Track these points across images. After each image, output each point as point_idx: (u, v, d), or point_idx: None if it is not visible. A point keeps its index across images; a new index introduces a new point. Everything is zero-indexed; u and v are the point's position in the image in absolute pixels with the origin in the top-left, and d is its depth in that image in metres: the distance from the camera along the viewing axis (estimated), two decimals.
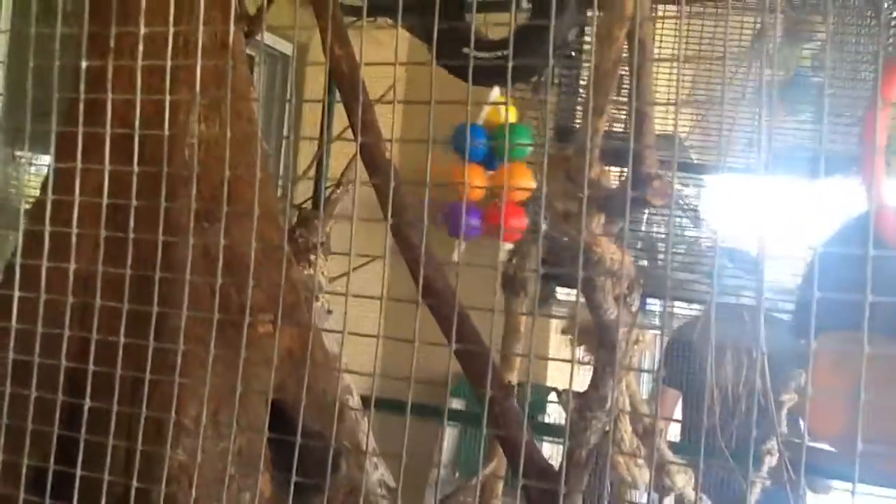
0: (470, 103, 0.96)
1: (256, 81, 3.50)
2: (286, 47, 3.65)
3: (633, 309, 1.09)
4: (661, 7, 3.10)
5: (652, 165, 0.75)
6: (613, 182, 0.86)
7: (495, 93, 1.68)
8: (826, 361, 0.77)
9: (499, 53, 1.45)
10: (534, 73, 1.83)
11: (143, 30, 1.17)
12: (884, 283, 0.57)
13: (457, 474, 3.77)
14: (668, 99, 2.92)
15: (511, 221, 1.58)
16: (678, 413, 3.31)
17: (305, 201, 2.35)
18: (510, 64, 0.87)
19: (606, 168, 0.81)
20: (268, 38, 3.12)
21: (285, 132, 3.57)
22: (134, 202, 1.18)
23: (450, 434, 3.80)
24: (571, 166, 0.76)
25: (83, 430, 1.13)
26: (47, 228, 1.24)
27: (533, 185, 1.59)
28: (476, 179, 1.49)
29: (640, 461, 1.27)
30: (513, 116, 1.81)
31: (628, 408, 1.31)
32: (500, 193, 1.50)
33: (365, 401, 2.11)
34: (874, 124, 0.82)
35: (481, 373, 1.29)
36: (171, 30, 1.16)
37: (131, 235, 1.13)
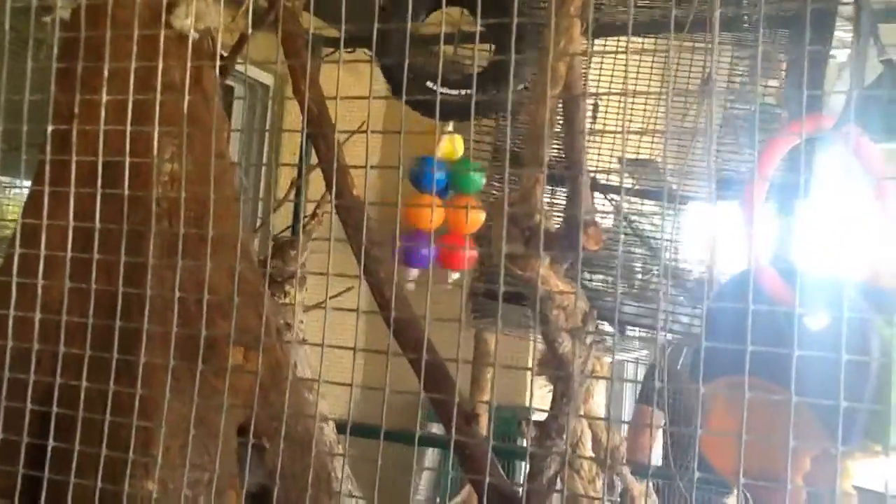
0: (423, 136, 0.99)
1: (237, 112, 3.55)
2: (266, 77, 3.70)
3: (587, 341, 1.13)
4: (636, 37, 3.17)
5: (588, 212, 0.79)
6: (555, 225, 0.91)
7: (450, 128, 1.74)
8: (720, 404, 0.82)
9: (462, 92, 1.51)
10: (495, 109, 1.89)
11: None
12: (773, 333, 0.61)
13: (437, 500, 3.79)
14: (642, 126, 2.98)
15: (459, 252, 1.64)
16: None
17: (281, 232, 2.38)
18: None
19: (548, 212, 0.86)
20: (247, 68, 3.17)
21: (263, 162, 3.61)
22: (105, 237, 1.21)
23: (430, 459, 3.82)
24: (514, 211, 0.81)
25: (47, 462, 1.15)
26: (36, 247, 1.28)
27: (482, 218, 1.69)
28: (429, 211, 1.55)
29: (599, 485, 1.30)
30: (460, 149, 1.88)
31: (588, 436, 1.35)
32: (453, 226, 1.57)
33: (341, 426, 2.14)
34: (752, 196, 0.88)
35: (444, 404, 1.33)
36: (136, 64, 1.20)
37: (94, 285, 1.16)
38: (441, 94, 1.23)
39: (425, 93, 1.42)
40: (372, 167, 0.85)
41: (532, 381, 1.19)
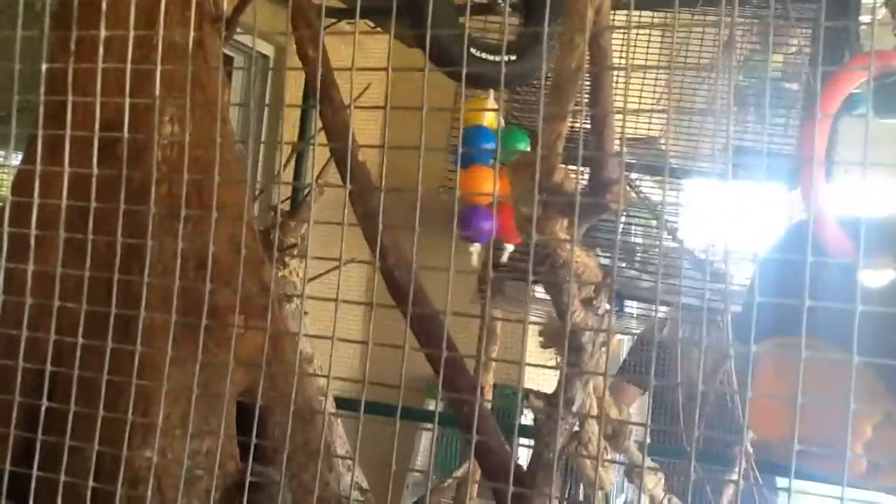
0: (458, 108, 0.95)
1: (236, 83, 3.50)
2: (266, 48, 3.65)
3: (600, 312, 1.10)
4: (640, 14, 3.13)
5: (612, 171, 0.76)
6: (577, 185, 0.87)
7: (491, 98, 1.71)
8: (770, 366, 0.79)
9: (506, 58, 1.47)
10: (532, 77, 1.86)
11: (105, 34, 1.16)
12: (826, 291, 0.58)
13: (434, 475, 3.78)
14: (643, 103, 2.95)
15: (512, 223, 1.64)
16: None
17: (282, 202, 2.35)
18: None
19: (570, 172, 0.83)
20: (248, 39, 3.11)
21: (263, 133, 3.57)
22: (102, 203, 1.17)
23: (427, 435, 3.80)
24: (536, 171, 0.77)
25: (41, 430, 1.12)
26: (32, 219, 1.24)
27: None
28: (488, 183, 1.52)
29: (606, 462, 1.28)
30: (494, 120, 1.86)
31: (595, 410, 1.32)
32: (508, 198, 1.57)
33: (339, 402, 2.12)
34: (812, 135, 0.84)
35: (450, 375, 1.30)
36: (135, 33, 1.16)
37: (90, 237, 1.13)
38: (485, 60, 1.21)
39: (469, 60, 1.38)
40: (392, 108, 0.81)
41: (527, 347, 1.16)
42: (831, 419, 0.58)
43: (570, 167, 0.88)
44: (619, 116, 0.85)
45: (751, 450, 1.93)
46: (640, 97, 2.92)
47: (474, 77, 1.24)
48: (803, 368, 0.58)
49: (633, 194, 3.20)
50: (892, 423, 0.75)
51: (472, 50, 1.46)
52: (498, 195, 1.40)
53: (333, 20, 2.88)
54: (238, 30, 1.77)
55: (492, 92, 1.82)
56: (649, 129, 3.16)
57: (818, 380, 0.60)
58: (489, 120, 1.77)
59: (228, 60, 3.45)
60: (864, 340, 0.58)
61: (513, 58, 1.48)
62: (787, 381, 0.59)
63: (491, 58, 1.45)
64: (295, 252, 2.03)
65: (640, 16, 3.08)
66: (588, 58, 0.74)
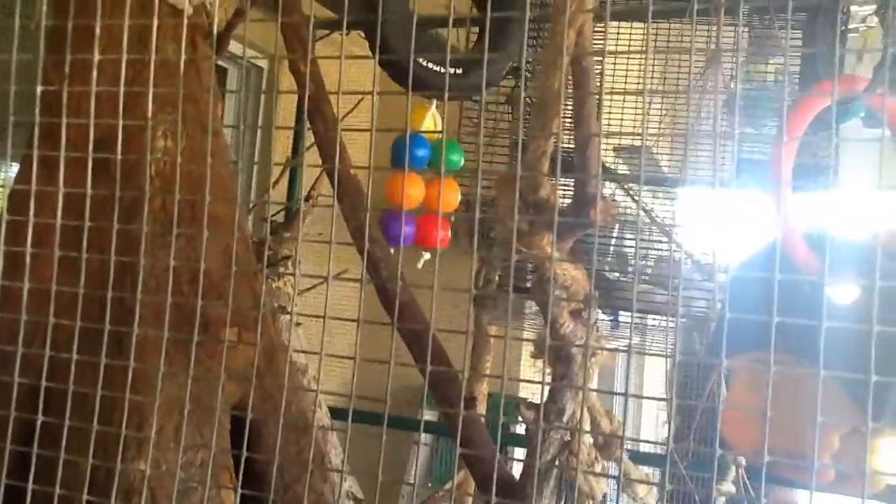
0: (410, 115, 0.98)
1: (230, 97, 3.51)
2: (261, 60, 3.66)
3: (589, 323, 1.11)
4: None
5: (595, 186, 0.77)
6: (562, 200, 0.89)
7: (433, 106, 1.74)
8: (743, 380, 0.80)
9: (453, 70, 1.52)
10: (478, 92, 1.91)
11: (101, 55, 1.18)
12: (799, 308, 0.59)
13: (429, 484, 3.78)
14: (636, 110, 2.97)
15: (435, 231, 1.67)
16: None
17: (276, 214, 2.36)
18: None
19: (555, 187, 0.84)
20: (241, 50, 3.12)
21: (258, 144, 3.58)
22: (96, 216, 1.18)
23: (423, 447, 3.81)
24: (521, 186, 0.79)
25: (36, 444, 1.13)
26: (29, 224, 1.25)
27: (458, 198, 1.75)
28: (414, 188, 1.56)
29: (598, 471, 1.28)
30: (434, 125, 1.90)
31: (587, 419, 1.33)
32: (432, 205, 1.60)
33: (334, 412, 2.12)
34: (780, 158, 0.86)
35: (442, 386, 1.31)
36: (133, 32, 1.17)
37: (85, 256, 1.14)
38: (431, 70, 1.25)
39: (417, 68, 1.43)
40: (378, 130, 0.82)
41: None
42: (802, 432, 0.60)
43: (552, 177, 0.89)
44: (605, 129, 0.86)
45: (742, 461, 1.95)
46: (623, 108, 2.94)
47: (421, 84, 1.29)
48: (780, 384, 0.59)
49: (631, 201, 3.21)
50: (858, 435, 0.77)
51: (421, 61, 1.53)
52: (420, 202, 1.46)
53: (327, 31, 2.89)
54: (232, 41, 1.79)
55: (434, 102, 1.87)
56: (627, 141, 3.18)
57: (792, 396, 0.61)
58: (428, 128, 1.81)
59: (223, 72, 3.46)
60: (838, 356, 0.60)
61: (459, 71, 1.56)
62: (761, 395, 0.60)
63: (438, 69, 1.52)
64: (290, 264, 2.04)
65: (630, 28, 3.11)
66: (571, 78, 0.76)
